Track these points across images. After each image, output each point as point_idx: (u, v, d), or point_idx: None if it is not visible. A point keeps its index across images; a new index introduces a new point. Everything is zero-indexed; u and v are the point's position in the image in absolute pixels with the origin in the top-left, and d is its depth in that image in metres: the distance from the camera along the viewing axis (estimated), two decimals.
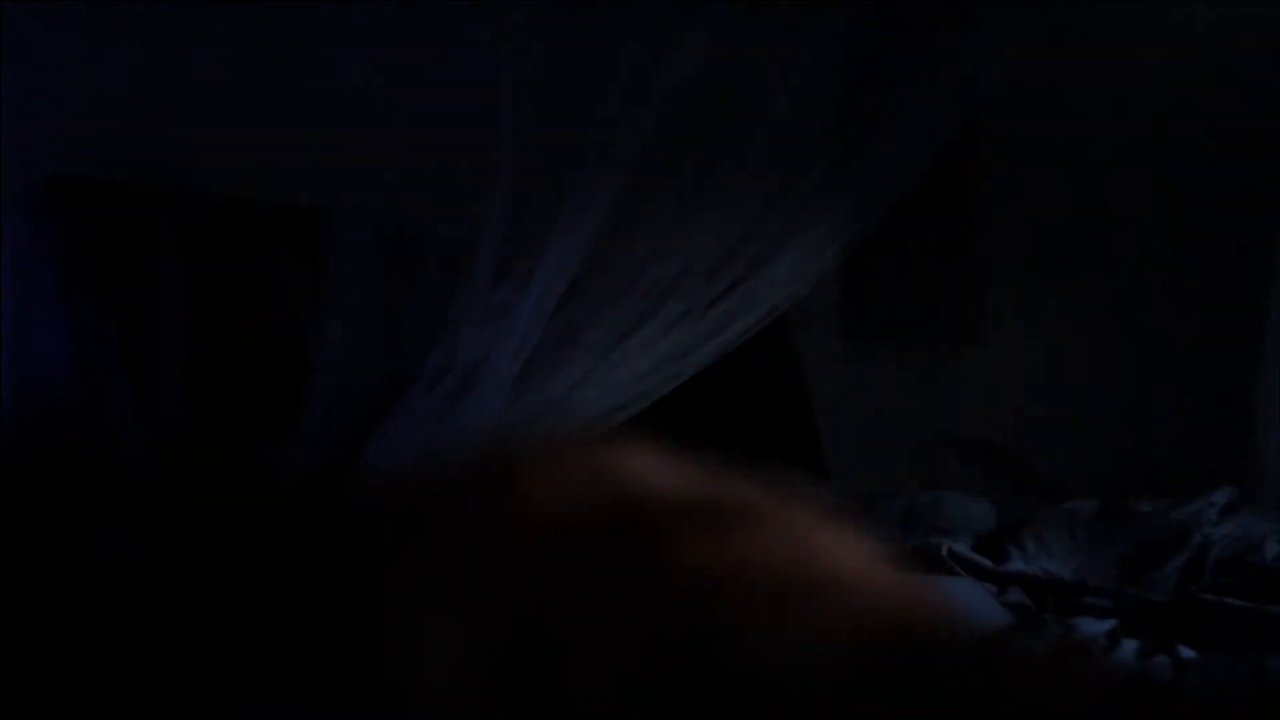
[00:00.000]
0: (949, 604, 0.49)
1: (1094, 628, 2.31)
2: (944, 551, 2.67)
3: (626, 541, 0.46)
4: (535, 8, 2.70)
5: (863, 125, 3.11)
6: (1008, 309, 3.99)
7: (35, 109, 2.70)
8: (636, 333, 2.89)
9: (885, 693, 0.42)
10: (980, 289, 4.02)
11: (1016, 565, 2.65)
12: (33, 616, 0.46)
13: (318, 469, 2.49)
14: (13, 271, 2.72)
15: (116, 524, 0.51)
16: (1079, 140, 3.91)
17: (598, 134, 2.74)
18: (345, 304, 2.72)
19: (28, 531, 0.52)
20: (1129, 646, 2.19)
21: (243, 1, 2.98)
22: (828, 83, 3.10)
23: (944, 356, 4.02)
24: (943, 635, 0.45)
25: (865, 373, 3.99)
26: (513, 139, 2.66)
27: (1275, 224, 3.17)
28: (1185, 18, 3.84)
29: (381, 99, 2.67)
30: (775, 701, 0.40)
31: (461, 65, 2.72)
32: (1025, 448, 3.78)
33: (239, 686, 0.41)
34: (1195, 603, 2.40)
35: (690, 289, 2.97)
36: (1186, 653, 2.12)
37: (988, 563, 2.65)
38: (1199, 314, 3.46)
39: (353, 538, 0.44)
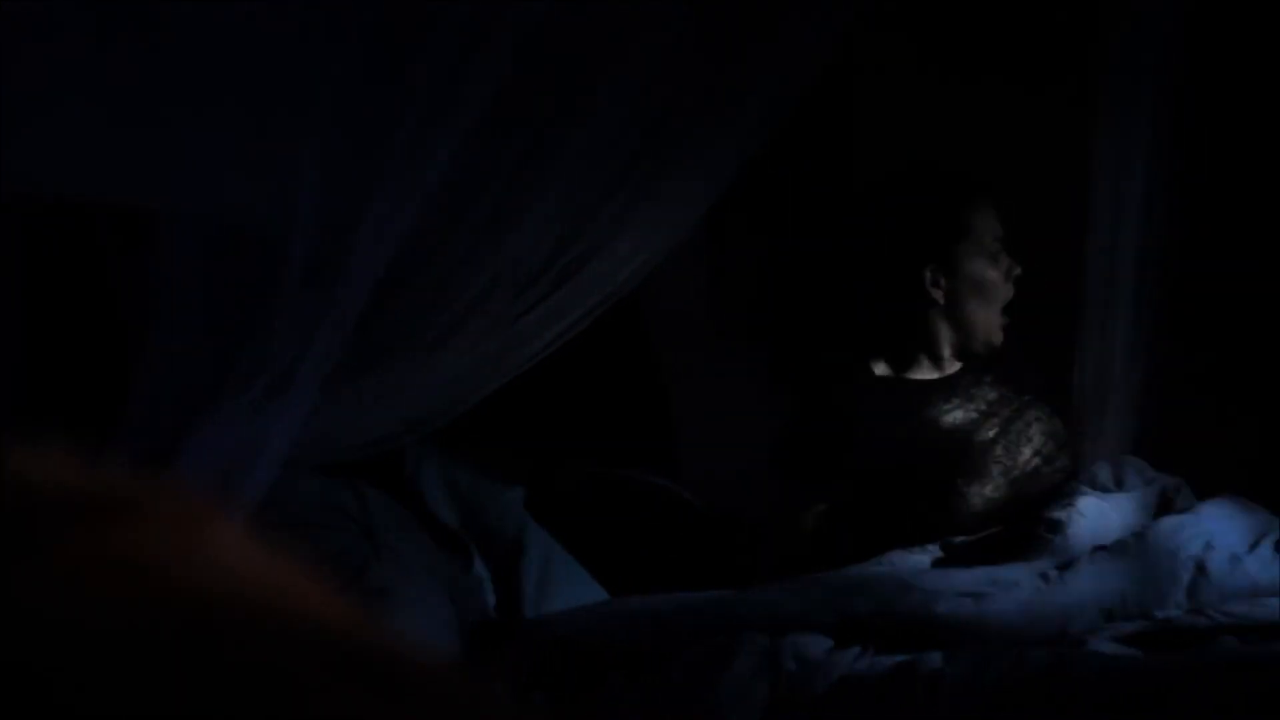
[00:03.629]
0: (326, 596, 0.49)
1: None
2: None
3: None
4: None
5: (701, 106, 3.07)
6: None
7: None
8: (454, 334, 2.87)
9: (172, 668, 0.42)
10: None
11: None
12: None
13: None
14: None
15: None
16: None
17: (413, 125, 2.70)
18: (170, 306, 2.69)
19: None
20: None
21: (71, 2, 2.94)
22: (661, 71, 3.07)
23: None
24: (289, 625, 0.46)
25: (729, 373, 3.98)
26: (321, 133, 2.64)
27: (1082, 215, 3.23)
28: None
29: (207, 96, 2.64)
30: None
31: (285, 55, 2.69)
32: None
33: None
34: None
35: (512, 286, 2.94)
36: None
37: None
38: (1028, 306, 3.49)
39: None
